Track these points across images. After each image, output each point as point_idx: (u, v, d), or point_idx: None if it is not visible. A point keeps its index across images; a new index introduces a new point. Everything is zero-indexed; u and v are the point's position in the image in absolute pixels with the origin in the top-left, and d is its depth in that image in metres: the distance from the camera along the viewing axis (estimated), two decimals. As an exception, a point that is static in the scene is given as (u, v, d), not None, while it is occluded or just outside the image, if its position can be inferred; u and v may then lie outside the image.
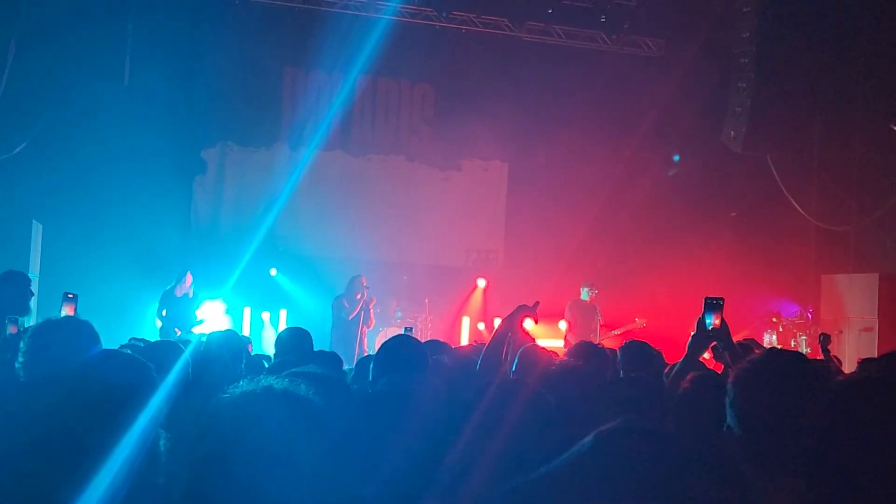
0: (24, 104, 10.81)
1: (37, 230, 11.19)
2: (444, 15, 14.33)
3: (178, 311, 11.08)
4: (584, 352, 5.05)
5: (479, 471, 2.59)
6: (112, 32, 10.34)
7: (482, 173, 15.41)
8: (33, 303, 11.01)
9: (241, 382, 2.03)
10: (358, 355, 11.21)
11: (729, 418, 2.41)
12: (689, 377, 3.79)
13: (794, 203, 13.24)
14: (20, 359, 3.45)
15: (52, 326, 3.58)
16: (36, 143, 11.11)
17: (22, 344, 3.48)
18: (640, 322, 12.02)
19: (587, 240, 14.27)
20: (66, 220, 11.84)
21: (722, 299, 4.57)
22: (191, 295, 11.36)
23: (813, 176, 13.64)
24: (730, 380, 2.46)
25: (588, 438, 1.91)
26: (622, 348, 5.35)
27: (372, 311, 12.17)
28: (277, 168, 14.12)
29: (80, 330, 3.53)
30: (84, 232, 12.01)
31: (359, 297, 12.14)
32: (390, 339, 4.04)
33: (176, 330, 10.73)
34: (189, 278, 11.37)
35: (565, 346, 11.72)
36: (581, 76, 14.32)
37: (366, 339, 12.21)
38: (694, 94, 13.29)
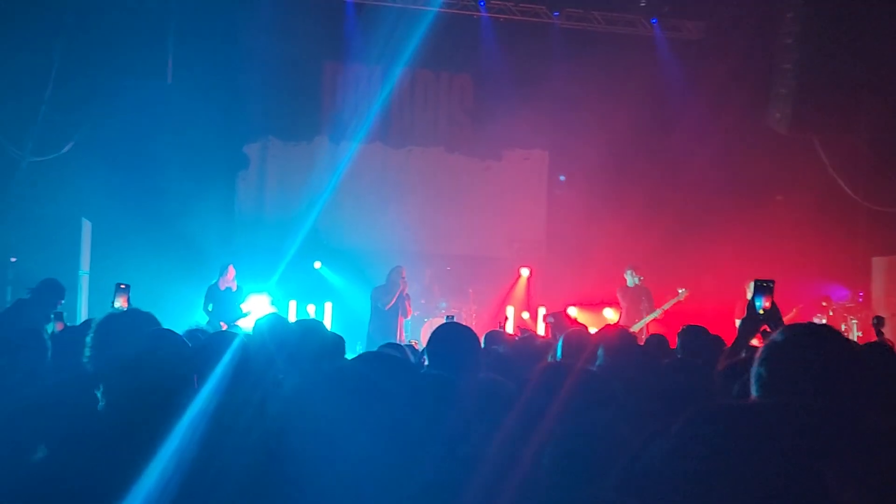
0: (70, 104, 10.98)
1: (86, 228, 11.37)
2: (481, 4, 14.28)
3: (223, 304, 11.16)
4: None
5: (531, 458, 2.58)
6: (155, 32, 10.48)
7: (523, 162, 15.36)
8: (84, 298, 11.28)
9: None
10: None
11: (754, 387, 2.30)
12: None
13: (843, 184, 13.00)
14: (87, 353, 3.59)
15: (115, 319, 3.74)
16: (83, 143, 11.30)
17: (88, 338, 3.60)
18: (682, 292, 11.84)
19: (631, 226, 14.13)
20: (114, 217, 12.00)
21: (772, 282, 4.52)
22: (234, 288, 11.43)
23: (861, 156, 13.37)
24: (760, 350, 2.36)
25: (687, 415, 2.06)
26: (681, 333, 5.35)
27: (408, 302, 12.12)
28: (318, 161, 14.22)
29: (141, 320, 3.68)
30: (132, 229, 12.16)
31: (397, 288, 12.12)
32: (442, 327, 4.01)
33: (221, 324, 10.82)
34: (231, 271, 11.43)
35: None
36: (621, 61, 14.18)
37: (402, 330, 12.20)
38: (738, 76, 13.11)
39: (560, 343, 4.46)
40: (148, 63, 10.87)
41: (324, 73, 14.42)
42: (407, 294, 11.91)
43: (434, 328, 4.01)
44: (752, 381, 2.21)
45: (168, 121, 12.57)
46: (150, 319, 3.77)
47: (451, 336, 3.89)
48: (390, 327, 11.72)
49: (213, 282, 11.39)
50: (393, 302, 11.80)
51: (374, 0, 14.01)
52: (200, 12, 12.60)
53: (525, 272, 14.53)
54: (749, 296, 11.71)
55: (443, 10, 14.10)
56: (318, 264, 13.95)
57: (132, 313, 3.94)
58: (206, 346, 3.45)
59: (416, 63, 14.17)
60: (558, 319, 8.18)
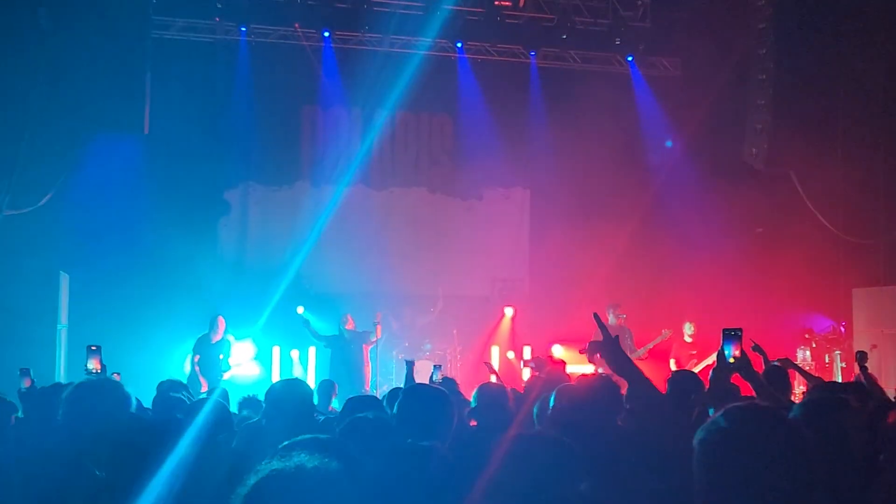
0: (46, 156, 10.96)
1: (64, 281, 11.30)
2: (458, 47, 14.39)
3: (212, 358, 11.04)
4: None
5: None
6: (131, 83, 10.48)
7: (504, 201, 15.39)
8: (62, 352, 11.19)
9: (273, 460, 2.01)
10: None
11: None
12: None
13: (821, 217, 13.07)
14: (59, 419, 3.78)
15: (87, 390, 3.86)
16: (60, 195, 11.25)
17: (62, 403, 3.78)
18: (666, 333, 11.86)
19: (613, 263, 14.16)
20: (93, 269, 11.94)
21: (740, 329, 4.51)
22: (222, 341, 11.36)
23: (838, 189, 13.45)
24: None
25: (718, 416, 2.13)
26: (669, 380, 5.35)
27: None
28: (300, 205, 14.21)
29: (113, 393, 3.83)
30: (111, 280, 12.12)
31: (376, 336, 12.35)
32: (413, 391, 3.99)
33: (202, 381, 10.68)
34: (222, 323, 11.37)
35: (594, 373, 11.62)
36: (599, 99, 14.28)
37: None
38: (715, 111, 13.20)
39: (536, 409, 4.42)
40: (124, 114, 10.86)
41: (302, 118, 14.44)
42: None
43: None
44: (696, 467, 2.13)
45: (146, 171, 12.59)
46: (119, 392, 3.87)
47: (422, 402, 3.85)
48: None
49: (205, 333, 11.27)
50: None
51: (351, 44, 14.09)
52: (176, 61, 12.66)
53: (509, 311, 14.49)
54: (688, 336, 11.77)
55: (421, 52, 14.21)
56: (300, 309, 13.87)
57: (103, 385, 3.99)
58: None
59: (396, 105, 14.22)
60: (539, 364, 8.15)
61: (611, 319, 12.01)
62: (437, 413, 3.82)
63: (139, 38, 10.63)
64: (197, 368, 11.01)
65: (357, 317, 12.72)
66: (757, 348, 6.13)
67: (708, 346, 11.52)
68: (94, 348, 6.18)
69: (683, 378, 5.49)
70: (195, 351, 11.19)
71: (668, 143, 14.63)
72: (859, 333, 12.63)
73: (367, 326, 12.42)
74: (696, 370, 11.55)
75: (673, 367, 11.81)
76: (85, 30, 9.95)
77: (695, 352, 11.82)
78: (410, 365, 7.48)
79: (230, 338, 11.47)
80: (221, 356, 11.24)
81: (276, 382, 4.72)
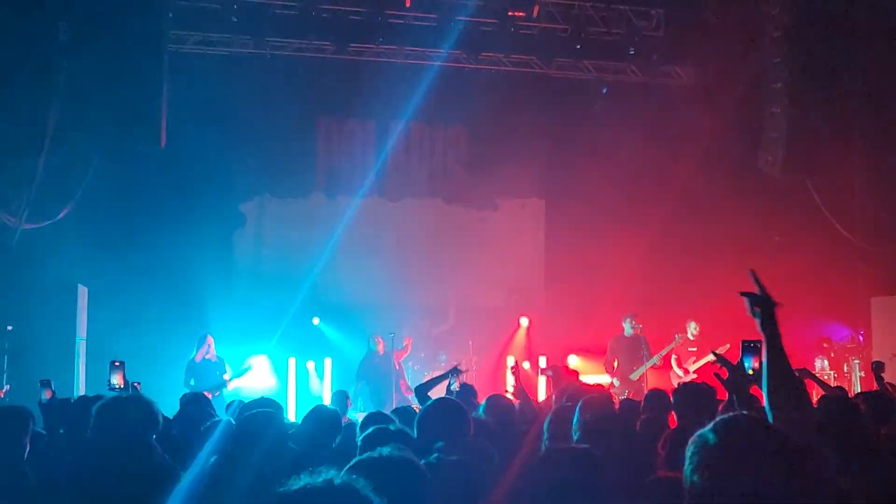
0: (64, 171, 11.04)
1: (82, 293, 11.37)
2: (474, 57, 14.41)
3: (202, 378, 10.98)
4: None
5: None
6: (148, 96, 10.55)
7: (520, 211, 15.39)
8: (82, 364, 11.24)
9: (302, 476, 2.02)
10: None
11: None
12: None
13: (838, 226, 13.00)
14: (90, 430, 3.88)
15: (116, 406, 3.95)
16: (77, 209, 11.33)
17: (93, 417, 3.87)
18: (678, 338, 11.89)
19: (628, 273, 14.14)
20: (111, 282, 12.01)
21: (759, 342, 4.49)
22: (214, 359, 11.26)
23: (855, 197, 13.39)
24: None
25: (707, 430, 2.11)
26: (675, 392, 5.32)
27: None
28: (316, 217, 14.26)
29: (144, 410, 3.92)
30: (129, 293, 12.19)
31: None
32: (431, 408, 4.03)
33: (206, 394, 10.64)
34: (210, 343, 11.29)
35: (611, 384, 11.62)
36: (613, 109, 14.30)
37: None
38: (730, 120, 13.17)
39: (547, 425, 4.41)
40: (141, 127, 10.92)
41: (318, 129, 14.49)
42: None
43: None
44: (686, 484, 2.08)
45: (163, 184, 12.67)
46: (148, 409, 3.92)
47: (439, 414, 3.89)
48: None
49: (191, 356, 11.23)
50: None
51: (365, 56, 14.14)
52: (193, 75, 12.75)
53: (524, 321, 14.51)
54: (691, 334, 11.78)
55: (436, 63, 14.26)
56: (316, 320, 13.93)
57: (133, 402, 4.03)
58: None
59: (411, 116, 14.26)
60: (556, 372, 8.14)
61: (627, 329, 12.00)
62: (456, 426, 3.86)
63: (156, 53, 10.70)
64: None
65: (375, 327, 12.82)
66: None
67: (709, 346, 11.59)
68: (117, 364, 6.25)
69: (694, 390, 5.45)
70: (187, 375, 11.05)
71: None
72: (878, 342, 12.55)
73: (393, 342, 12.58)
74: (693, 367, 11.60)
75: (673, 363, 11.91)
76: (103, 44, 10.03)
77: (695, 349, 11.88)
78: (454, 374, 7.61)
79: (212, 356, 11.29)
80: (218, 373, 11.13)
81: (248, 411, 4.77)
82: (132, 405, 3.94)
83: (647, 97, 14.62)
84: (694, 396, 5.30)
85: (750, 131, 13.12)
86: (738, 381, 4.26)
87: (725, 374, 4.19)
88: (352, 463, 2.63)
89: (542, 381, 12.04)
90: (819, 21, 11.73)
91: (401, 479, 2.52)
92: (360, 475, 2.04)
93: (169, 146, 11.56)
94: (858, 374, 12.42)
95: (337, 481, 1.97)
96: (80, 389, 10.81)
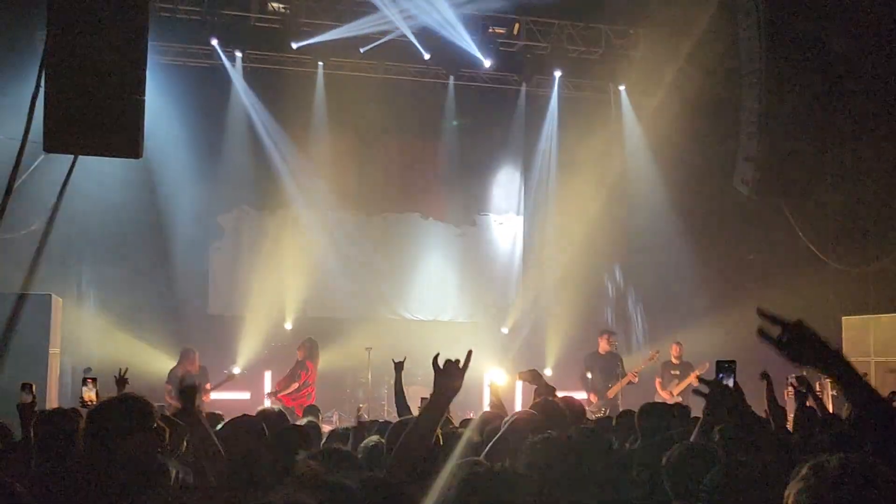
0: (41, 180, 10.95)
1: (56, 304, 11.25)
2: (452, 72, 14.49)
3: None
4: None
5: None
6: (126, 107, 10.47)
7: (497, 227, 15.43)
8: (54, 376, 11.12)
9: None
10: None
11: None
12: None
13: (811, 245, 13.15)
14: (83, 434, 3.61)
15: (106, 408, 3.70)
16: (53, 219, 11.23)
17: (87, 420, 3.59)
18: (652, 354, 11.99)
19: (604, 290, 14.24)
20: (85, 293, 11.92)
21: (734, 362, 4.56)
22: (196, 371, 11.18)
23: (828, 218, 13.57)
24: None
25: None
26: (639, 414, 5.32)
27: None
28: (294, 230, 14.19)
29: (132, 409, 3.65)
30: (104, 304, 12.09)
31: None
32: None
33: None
34: (193, 357, 11.21)
35: (588, 400, 11.64)
36: (591, 126, 14.41)
37: None
38: (705, 140, 13.30)
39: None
40: (120, 138, 10.82)
41: (296, 142, 14.38)
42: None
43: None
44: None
45: (139, 195, 12.62)
46: (140, 407, 3.78)
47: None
48: None
49: (174, 367, 11.15)
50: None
51: (345, 70, 14.16)
52: (172, 86, 12.72)
53: (501, 337, 14.52)
54: (674, 357, 11.84)
55: (414, 77, 14.33)
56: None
57: (122, 402, 3.88)
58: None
59: (389, 130, 14.32)
60: (535, 376, 7.97)
61: (601, 347, 12.04)
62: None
63: (135, 63, 10.63)
64: (167, 398, 10.71)
65: (349, 341, 12.80)
66: (765, 376, 6.13)
67: (690, 368, 11.70)
68: (90, 379, 6.12)
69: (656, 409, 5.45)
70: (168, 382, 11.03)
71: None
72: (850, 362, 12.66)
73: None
74: (676, 391, 11.69)
75: (657, 385, 11.98)
76: (81, 55, 9.95)
77: (677, 372, 11.97)
78: (399, 368, 7.48)
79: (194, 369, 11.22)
80: (198, 383, 11.03)
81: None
82: (118, 406, 3.80)
83: (624, 115, 14.78)
84: (657, 416, 5.33)
85: (725, 152, 13.26)
86: (718, 396, 4.30)
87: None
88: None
89: (518, 388, 12.15)
90: (793, 46, 11.88)
91: None
92: None
93: (147, 157, 11.51)
94: (831, 392, 12.51)
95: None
96: (52, 402, 10.67)
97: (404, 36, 13.51)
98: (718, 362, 4.65)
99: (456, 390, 3.21)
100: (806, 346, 2.26)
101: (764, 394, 5.92)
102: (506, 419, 4.49)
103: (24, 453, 4.87)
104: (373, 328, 13.96)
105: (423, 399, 7.29)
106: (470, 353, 3.27)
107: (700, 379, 4.12)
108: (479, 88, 14.79)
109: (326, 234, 14.18)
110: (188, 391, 4.69)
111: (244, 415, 5.04)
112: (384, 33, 13.51)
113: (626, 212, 14.52)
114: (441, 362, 3.26)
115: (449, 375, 3.19)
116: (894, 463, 2.08)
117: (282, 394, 11.64)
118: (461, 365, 3.22)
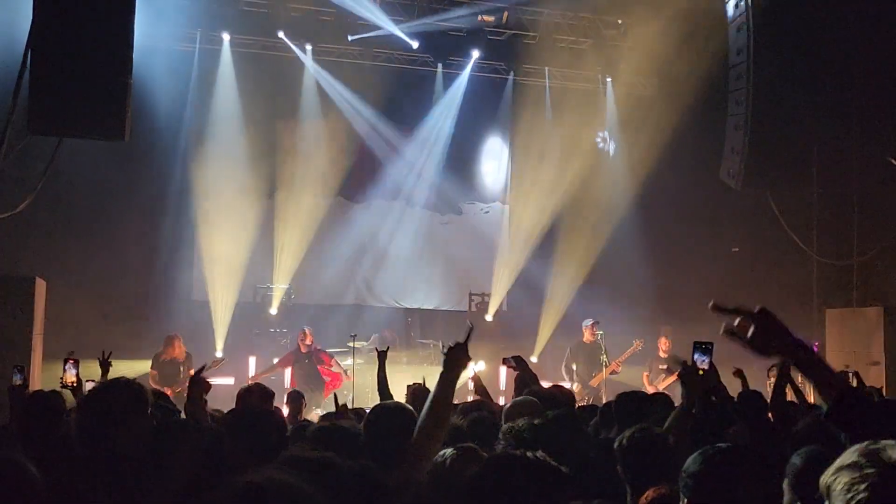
0: (25, 162, 10.87)
1: (40, 287, 11.19)
2: (440, 60, 14.47)
3: (167, 374, 10.87)
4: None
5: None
6: (112, 90, 10.39)
7: (483, 216, 15.44)
8: (38, 359, 11.08)
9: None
10: None
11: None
12: None
13: (796, 238, 13.22)
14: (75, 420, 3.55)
15: (101, 392, 3.61)
16: (38, 201, 11.14)
17: (79, 407, 3.55)
18: (636, 344, 11.98)
19: (589, 279, 14.28)
20: (69, 276, 11.85)
21: (711, 343, 4.61)
22: (181, 358, 11.15)
23: (813, 211, 13.65)
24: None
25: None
26: (615, 402, 5.25)
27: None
28: (279, 217, 14.15)
29: (127, 394, 3.58)
30: (87, 288, 12.03)
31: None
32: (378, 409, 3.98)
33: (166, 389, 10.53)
34: (175, 342, 11.15)
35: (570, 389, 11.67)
36: (580, 116, 14.43)
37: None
38: (691, 131, 13.33)
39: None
40: (105, 121, 10.76)
41: (282, 129, 14.31)
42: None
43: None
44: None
45: (125, 179, 12.55)
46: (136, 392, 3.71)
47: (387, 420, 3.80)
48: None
49: (158, 351, 11.11)
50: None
51: (333, 57, 14.12)
52: (158, 69, 12.63)
53: (486, 323, 14.54)
54: (662, 351, 11.88)
55: (402, 66, 14.30)
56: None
57: (115, 386, 3.80)
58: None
59: (376, 117, 14.31)
60: (520, 362, 7.98)
61: (586, 336, 12.07)
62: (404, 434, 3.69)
63: (121, 46, 10.55)
64: (151, 383, 10.64)
65: (335, 327, 12.78)
66: (739, 374, 6.15)
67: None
68: (71, 360, 6.11)
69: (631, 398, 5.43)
70: (153, 368, 10.99)
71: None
72: (832, 354, 12.74)
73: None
74: (662, 385, 11.71)
75: (644, 380, 11.99)
76: (67, 37, 9.88)
77: (664, 366, 11.98)
78: (383, 356, 7.36)
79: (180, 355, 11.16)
80: (182, 369, 11.00)
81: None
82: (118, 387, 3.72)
83: (610, 105, 14.82)
84: (635, 403, 5.31)
85: (712, 142, 13.30)
86: (691, 377, 4.35)
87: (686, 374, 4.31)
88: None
89: (502, 373, 12.18)
90: (781, 39, 11.91)
91: None
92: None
93: (133, 140, 11.44)
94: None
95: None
96: (35, 385, 10.62)
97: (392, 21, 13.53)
98: (696, 342, 4.71)
99: (464, 364, 3.55)
100: (771, 336, 2.19)
101: (768, 389, 5.94)
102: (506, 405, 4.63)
103: (11, 436, 4.87)
104: (356, 316, 13.97)
105: (408, 387, 7.31)
106: (471, 328, 3.66)
107: (673, 357, 4.15)
108: (468, 76, 14.76)
109: (312, 220, 14.13)
110: (201, 384, 4.73)
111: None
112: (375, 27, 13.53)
113: (612, 201, 14.55)
114: (444, 350, 3.62)
115: (456, 351, 3.55)
116: None
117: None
118: (463, 340, 3.57)
